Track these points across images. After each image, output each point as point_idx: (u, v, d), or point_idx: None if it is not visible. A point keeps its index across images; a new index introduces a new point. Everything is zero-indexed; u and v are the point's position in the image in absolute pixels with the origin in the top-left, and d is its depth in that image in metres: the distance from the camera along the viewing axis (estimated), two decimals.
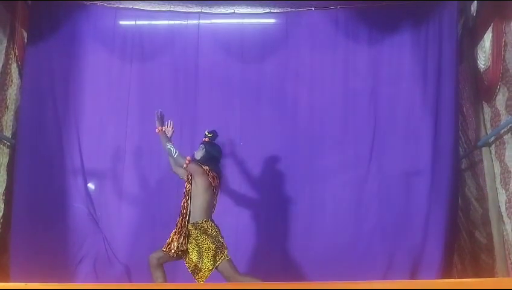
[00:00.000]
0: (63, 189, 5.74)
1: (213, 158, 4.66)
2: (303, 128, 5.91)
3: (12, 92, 5.77)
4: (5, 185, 5.59)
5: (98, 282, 5.43)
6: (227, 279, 4.33)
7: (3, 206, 5.54)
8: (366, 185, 5.74)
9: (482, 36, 5.56)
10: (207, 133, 4.75)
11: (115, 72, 6.03)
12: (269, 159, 5.86)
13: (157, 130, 4.70)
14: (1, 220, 5.52)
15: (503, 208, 5.14)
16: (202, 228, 4.38)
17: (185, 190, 4.57)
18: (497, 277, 5.05)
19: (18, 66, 5.83)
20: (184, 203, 4.50)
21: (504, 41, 5.04)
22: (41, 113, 5.81)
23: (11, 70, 5.72)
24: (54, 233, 5.59)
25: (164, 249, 4.40)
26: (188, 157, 4.54)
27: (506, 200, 5.08)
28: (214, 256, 4.28)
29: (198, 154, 4.67)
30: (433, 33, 5.85)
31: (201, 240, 4.33)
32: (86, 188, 5.80)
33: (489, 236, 5.33)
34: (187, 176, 4.60)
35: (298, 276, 5.44)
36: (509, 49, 5.01)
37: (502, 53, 5.06)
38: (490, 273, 5.21)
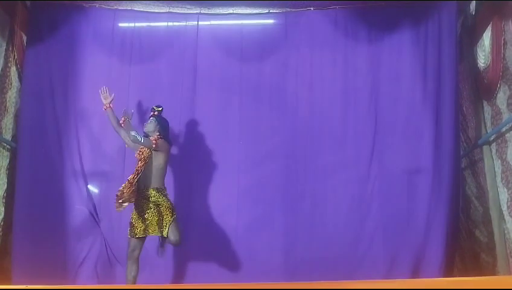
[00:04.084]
0: (63, 191, 5.74)
1: (165, 129, 5.04)
2: (303, 128, 5.91)
3: (12, 95, 5.78)
4: (5, 188, 5.60)
5: (99, 284, 5.43)
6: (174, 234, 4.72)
7: (3, 209, 5.55)
8: (367, 184, 5.74)
9: (482, 35, 5.56)
10: (156, 108, 5.09)
11: (114, 73, 6.02)
12: (269, 158, 5.86)
13: (121, 121, 5.01)
14: (1, 223, 5.52)
15: (504, 207, 5.14)
16: (164, 192, 4.90)
17: (142, 156, 4.82)
18: (498, 275, 5.04)
19: (17, 69, 5.84)
20: (142, 166, 4.78)
21: (504, 40, 5.04)
22: (41, 116, 5.81)
23: (10, 73, 5.73)
24: (55, 235, 5.60)
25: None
26: (154, 137, 4.88)
27: (508, 199, 5.08)
28: (172, 211, 4.81)
29: (150, 126, 4.99)
30: (432, 32, 5.85)
31: (162, 201, 4.81)
32: (87, 190, 5.80)
33: (490, 235, 5.33)
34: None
35: (299, 276, 5.43)
36: (509, 48, 5.01)
37: (502, 51, 5.06)
38: (491, 272, 5.21)
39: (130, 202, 4.73)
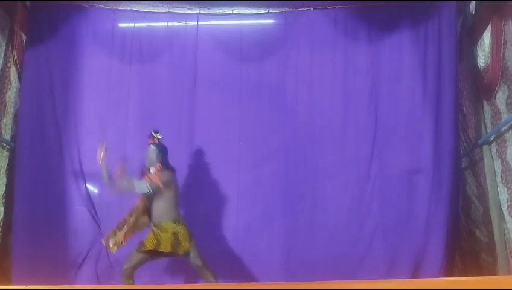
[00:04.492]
0: (63, 192, 5.73)
1: (165, 154, 4.83)
2: (303, 128, 5.91)
3: (12, 95, 5.77)
4: (4, 188, 5.59)
5: (99, 284, 5.43)
6: (195, 259, 4.63)
7: (3, 209, 5.54)
8: (367, 184, 5.74)
9: (481, 35, 5.56)
10: (155, 134, 4.85)
11: (114, 74, 6.02)
12: (269, 159, 5.86)
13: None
14: (1, 223, 5.52)
15: (504, 207, 5.14)
16: (181, 222, 4.71)
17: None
18: (498, 275, 5.04)
19: (17, 69, 5.84)
20: (141, 203, 4.73)
21: (503, 40, 5.04)
22: (41, 116, 5.81)
23: (10, 74, 5.72)
24: (55, 235, 5.59)
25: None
26: (155, 175, 4.69)
27: (508, 199, 5.08)
28: (190, 238, 4.65)
29: (152, 156, 4.78)
30: (432, 32, 5.86)
31: (180, 229, 4.64)
32: (87, 190, 5.79)
33: (491, 235, 5.33)
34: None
35: (299, 276, 5.43)
36: (509, 47, 5.01)
37: (502, 51, 5.07)
38: (491, 271, 5.21)
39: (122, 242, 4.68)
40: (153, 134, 4.86)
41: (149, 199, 4.75)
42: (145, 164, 4.88)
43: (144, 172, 4.90)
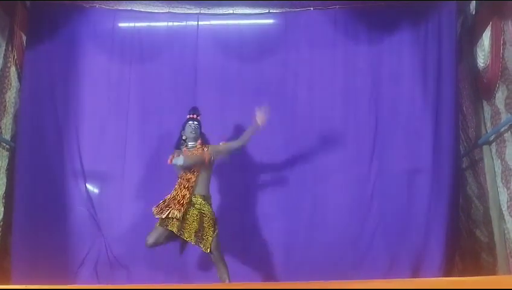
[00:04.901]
0: (63, 192, 5.73)
1: (202, 133, 4.92)
2: (303, 128, 5.91)
3: (12, 95, 5.77)
4: (4, 188, 5.59)
5: (99, 284, 5.43)
6: (215, 253, 4.60)
7: (3, 209, 5.54)
8: (367, 184, 5.74)
9: (481, 35, 5.56)
10: (194, 114, 4.90)
11: (114, 74, 6.03)
12: (269, 159, 5.86)
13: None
14: (1, 223, 5.51)
15: (504, 207, 5.14)
16: (209, 201, 4.76)
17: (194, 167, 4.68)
18: (498, 275, 5.04)
19: (17, 69, 5.83)
20: (191, 177, 4.68)
21: (503, 40, 5.04)
22: (41, 116, 5.81)
23: (10, 74, 5.72)
24: (54, 236, 5.59)
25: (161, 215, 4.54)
26: (200, 145, 4.77)
27: (507, 199, 5.08)
28: (214, 225, 4.64)
29: (197, 130, 4.84)
30: (432, 32, 5.86)
31: (207, 211, 4.66)
32: (87, 190, 5.79)
33: (491, 235, 5.33)
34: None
35: (299, 275, 5.42)
36: (508, 48, 5.02)
37: (501, 51, 5.07)
38: (491, 271, 5.21)
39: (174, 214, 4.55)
40: (194, 111, 4.92)
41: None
42: (187, 140, 4.85)
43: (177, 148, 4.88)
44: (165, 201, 4.70)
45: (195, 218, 4.58)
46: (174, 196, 4.68)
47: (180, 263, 5.57)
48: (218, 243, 4.63)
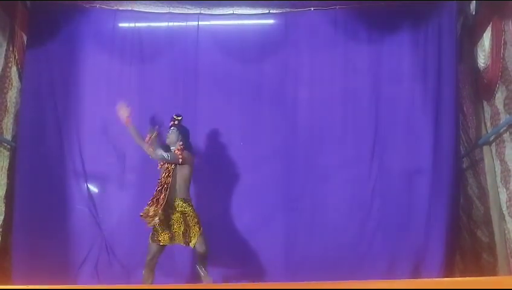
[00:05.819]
0: (64, 191, 5.75)
1: (187, 137, 5.01)
2: (303, 128, 5.92)
3: (12, 95, 5.78)
4: (5, 188, 5.59)
5: (99, 284, 5.43)
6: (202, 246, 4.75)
7: (4, 209, 5.54)
8: (368, 184, 5.75)
9: (482, 35, 5.56)
10: (176, 117, 5.03)
11: (114, 74, 6.04)
12: (269, 158, 5.86)
13: (147, 139, 4.91)
14: (2, 223, 5.52)
15: (504, 207, 5.14)
16: (190, 203, 4.90)
17: (167, 167, 4.84)
18: (499, 275, 5.04)
19: (18, 69, 5.84)
20: (167, 179, 4.81)
21: (503, 40, 5.04)
22: (42, 116, 5.82)
23: (10, 74, 5.73)
24: (55, 235, 5.60)
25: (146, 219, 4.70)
26: (177, 152, 4.87)
27: (507, 199, 5.08)
28: (198, 222, 4.80)
29: (173, 137, 4.97)
30: (432, 32, 5.86)
31: (189, 211, 4.82)
32: (87, 190, 5.80)
33: (491, 235, 5.32)
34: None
35: (299, 275, 5.43)
36: (509, 48, 5.01)
37: (501, 51, 5.06)
38: (492, 272, 5.20)
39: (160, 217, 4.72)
40: (175, 117, 5.04)
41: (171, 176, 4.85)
42: (168, 145, 4.99)
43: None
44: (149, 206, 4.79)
45: (180, 221, 4.78)
46: (155, 196, 4.84)
47: (180, 263, 5.58)
48: (204, 240, 4.78)
